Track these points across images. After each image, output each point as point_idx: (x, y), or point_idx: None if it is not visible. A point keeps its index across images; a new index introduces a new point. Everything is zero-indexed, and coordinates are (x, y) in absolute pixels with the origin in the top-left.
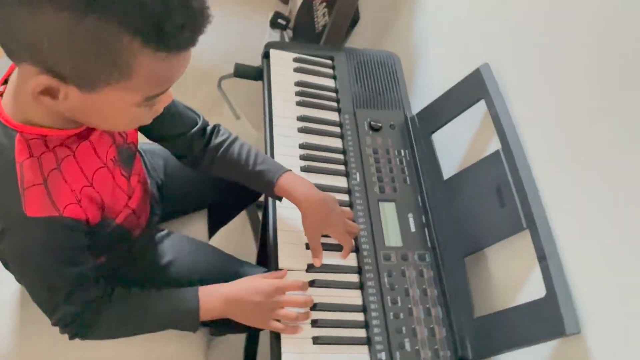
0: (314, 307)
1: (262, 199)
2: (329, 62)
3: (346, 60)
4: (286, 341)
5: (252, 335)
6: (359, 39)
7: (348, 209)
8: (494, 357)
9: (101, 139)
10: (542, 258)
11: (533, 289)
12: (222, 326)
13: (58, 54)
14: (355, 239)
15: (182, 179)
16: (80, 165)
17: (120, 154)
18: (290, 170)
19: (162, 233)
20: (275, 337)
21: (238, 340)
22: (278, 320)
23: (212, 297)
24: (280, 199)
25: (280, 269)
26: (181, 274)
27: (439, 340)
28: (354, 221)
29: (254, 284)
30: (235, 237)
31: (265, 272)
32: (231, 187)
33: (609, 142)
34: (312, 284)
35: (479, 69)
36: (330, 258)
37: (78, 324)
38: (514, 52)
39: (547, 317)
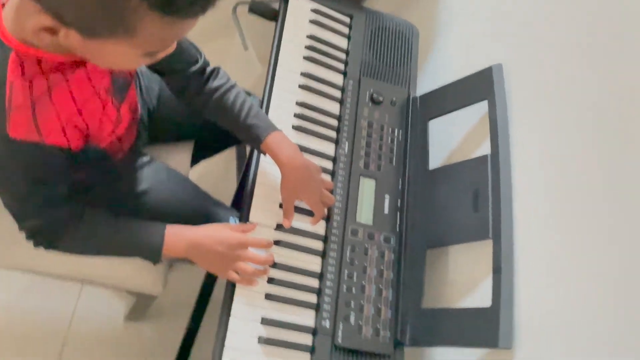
0: (274, 265)
1: None
2: (347, 20)
3: (365, 22)
4: (240, 291)
5: None
6: None
7: (329, 179)
8: (426, 348)
9: (97, 67)
10: (497, 270)
11: (481, 296)
12: None
13: (64, 2)
14: (329, 207)
15: (174, 108)
16: (72, 93)
17: (115, 83)
18: (281, 130)
19: (144, 159)
20: (231, 285)
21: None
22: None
23: (177, 238)
24: (264, 154)
25: (251, 223)
26: (154, 205)
27: (383, 321)
28: (332, 192)
29: (220, 233)
30: (218, 170)
31: (238, 216)
32: None
33: (602, 181)
34: (276, 243)
35: (491, 67)
36: (300, 222)
37: (43, 237)
38: (530, 60)
39: (486, 327)
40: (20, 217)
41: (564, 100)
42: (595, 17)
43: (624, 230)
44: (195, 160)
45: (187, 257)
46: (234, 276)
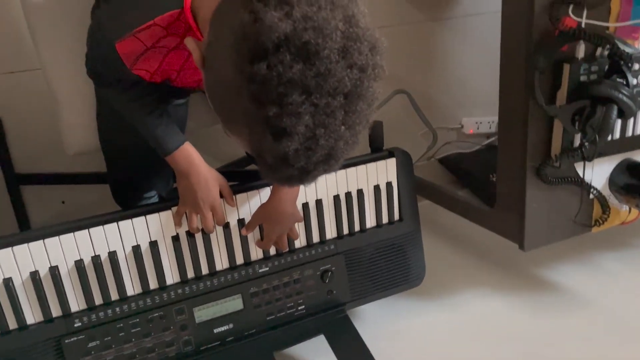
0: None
1: None
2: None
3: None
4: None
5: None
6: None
7: (297, 230)
8: None
9: None
10: None
11: None
12: None
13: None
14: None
15: None
16: (187, 60)
17: None
18: None
19: (180, 101)
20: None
21: None
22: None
23: (185, 158)
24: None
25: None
26: None
27: None
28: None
29: (210, 188)
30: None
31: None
32: None
33: None
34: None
35: None
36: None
37: (99, 79)
38: None
39: None
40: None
41: None
42: None
43: None
44: None
45: (176, 174)
46: (182, 217)
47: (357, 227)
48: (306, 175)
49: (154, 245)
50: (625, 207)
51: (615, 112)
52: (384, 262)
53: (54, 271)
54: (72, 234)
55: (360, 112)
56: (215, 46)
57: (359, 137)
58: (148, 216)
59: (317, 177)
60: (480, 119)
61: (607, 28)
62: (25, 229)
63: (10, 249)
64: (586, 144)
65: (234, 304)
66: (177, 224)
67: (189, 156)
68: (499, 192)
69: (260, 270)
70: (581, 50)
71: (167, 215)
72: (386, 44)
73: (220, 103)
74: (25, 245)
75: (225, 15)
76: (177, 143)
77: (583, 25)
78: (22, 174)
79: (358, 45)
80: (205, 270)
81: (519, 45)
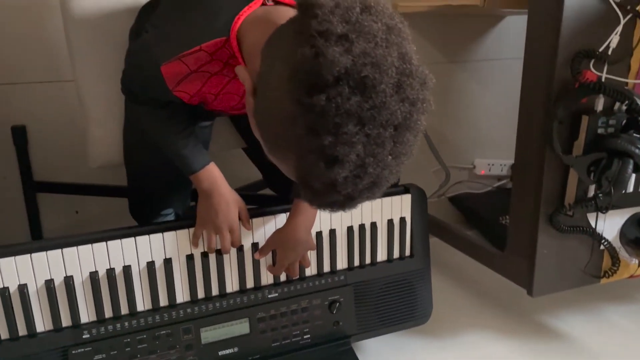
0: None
1: None
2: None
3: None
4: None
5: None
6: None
7: (308, 259)
8: None
9: None
10: None
11: None
12: None
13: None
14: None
15: None
16: (226, 84)
17: None
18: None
19: (206, 123)
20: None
21: None
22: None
23: (208, 177)
24: (291, 202)
25: (250, 224)
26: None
27: None
28: (302, 269)
29: (230, 210)
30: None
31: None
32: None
33: None
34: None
35: None
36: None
37: (132, 95)
38: None
39: None
40: (124, 80)
41: None
42: None
43: None
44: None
45: (199, 193)
46: (200, 238)
47: (368, 260)
48: (350, 201)
49: (168, 262)
50: (635, 261)
51: (631, 166)
52: (392, 297)
53: (68, 281)
54: (90, 245)
55: (407, 143)
56: (268, 76)
57: (402, 167)
58: (165, 233)
59: (359, 204)
60: (492, 160)
61: (626, 84)
62: (37, 236)
63: (28, 255)
64: (600, 195)
65: (241, 327)
66: (195, 244)
67: (213, 177)
68: (510, 236)
69: (269, 296)
70: (600, 104)
71: (183, 234)
72: (434, 80)
73: (270, 130)
74: (44, 253)
75: (279, 48)
76: (203, 163)
77: (603, 80)
78: (40, 182)
79: (410, 81)
80: (215, 291)
81: (539, 94)
